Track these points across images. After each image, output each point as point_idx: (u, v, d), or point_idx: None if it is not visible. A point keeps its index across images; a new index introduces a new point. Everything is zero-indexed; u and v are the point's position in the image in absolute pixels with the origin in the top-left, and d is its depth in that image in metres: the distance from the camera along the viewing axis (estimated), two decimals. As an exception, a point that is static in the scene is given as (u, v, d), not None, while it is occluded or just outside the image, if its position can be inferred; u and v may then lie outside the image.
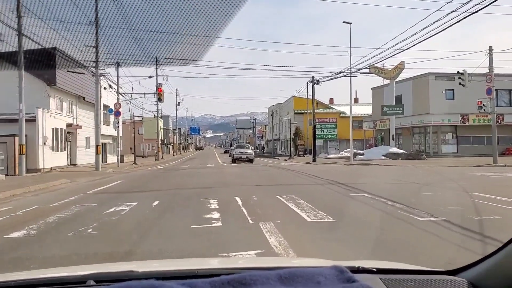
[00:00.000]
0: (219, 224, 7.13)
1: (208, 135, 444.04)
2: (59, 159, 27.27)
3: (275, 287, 1.18)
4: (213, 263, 2.50)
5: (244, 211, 8.48)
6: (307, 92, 40.63)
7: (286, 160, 42.22)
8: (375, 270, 1.55)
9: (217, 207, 9.08)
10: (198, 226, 6.94)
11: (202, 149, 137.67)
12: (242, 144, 46.19)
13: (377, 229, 6.48)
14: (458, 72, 28.50)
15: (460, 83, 28.24)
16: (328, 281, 1.22)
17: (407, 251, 5.23)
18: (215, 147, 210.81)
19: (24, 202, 11.08)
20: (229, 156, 46.35)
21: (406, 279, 1.46)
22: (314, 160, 36.12)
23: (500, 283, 1.32)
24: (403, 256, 4.95)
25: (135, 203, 9.91)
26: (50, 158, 25.35)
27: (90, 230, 6.78)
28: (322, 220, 7.29)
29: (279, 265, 1.45)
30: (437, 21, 17.52)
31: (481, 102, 27.97)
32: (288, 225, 6.96)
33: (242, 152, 36.72)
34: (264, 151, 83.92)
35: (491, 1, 14.80)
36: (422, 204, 8.87)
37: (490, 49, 27.37)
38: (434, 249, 5.38)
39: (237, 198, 10.43)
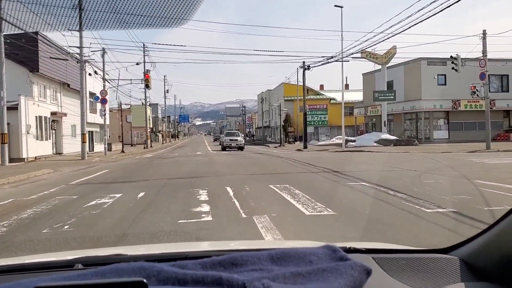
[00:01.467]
0: (209, 218, 6.54)
1: (198, 123, 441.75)
2: (44, 148, 26.44)
3: (266, 267, 1.12)
4: (203, 246, 2.50)
5: (236, 203, 7.89)
6: (297, 78, 40.09)
7: (276, 147, 41.69)
8: (366, 250, 1.55)
9: (207, 198, 8.48)
10: (186, 221, 6.35)
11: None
12: (232, 131, 45.52)
13: (383, 224, 5.90)
14: (451, 56, 28.00)
15: (453, 68, 27.75)
16: (320, 260, 1.18)
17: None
18: (205, 135, 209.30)
19: (0, 194, 10.38)
20: (219, 144, 45.65)
21: (398, 258, 1.45)
22: (305, 147, 35.62)
23: (491, 260, 1.29)
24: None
25: (119, 195, 9.29)
26: (34, 147, 24.53)
27: (66, 227, 6.15)
28: (322, 213, 6.71)
29: (271, 247, 1.37)
30: (434, 1, 16.92)
31: (475, 87, 27.52)
32: (285, 219, 6.39)
33: (232, 140, 36.08)
34: (254, 138, 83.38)
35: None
36: (426, 194, 8.34)
37: (484, 33, 26.88)
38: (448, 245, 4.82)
39: (228, 189, 9.84)
